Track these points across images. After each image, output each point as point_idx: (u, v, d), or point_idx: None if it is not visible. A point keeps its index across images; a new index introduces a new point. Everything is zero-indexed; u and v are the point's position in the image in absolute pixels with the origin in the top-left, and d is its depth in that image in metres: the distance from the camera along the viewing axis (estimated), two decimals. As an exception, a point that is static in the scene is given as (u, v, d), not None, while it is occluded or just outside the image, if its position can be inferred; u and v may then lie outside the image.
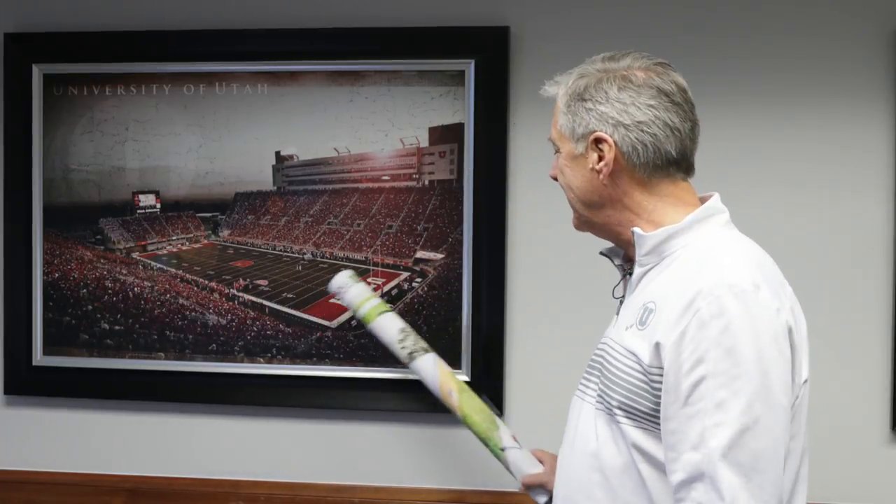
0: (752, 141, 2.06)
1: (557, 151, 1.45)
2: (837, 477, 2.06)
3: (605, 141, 1.36)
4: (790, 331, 1.27)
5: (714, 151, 2.07)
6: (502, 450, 1.83)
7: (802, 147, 2.05)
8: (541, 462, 1.81)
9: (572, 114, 1.40)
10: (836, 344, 2.05)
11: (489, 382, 2.11)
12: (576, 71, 1.43)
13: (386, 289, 2.16)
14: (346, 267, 2.16)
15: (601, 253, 1.52)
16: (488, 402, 1.93)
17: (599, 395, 1.36)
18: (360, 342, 2.16)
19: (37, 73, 2.24)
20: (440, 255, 2.14)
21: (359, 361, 2.16)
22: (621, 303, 1.44)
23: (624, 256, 1.49)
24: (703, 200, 1.41)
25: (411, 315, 2.14)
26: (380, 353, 2.15)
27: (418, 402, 2.13)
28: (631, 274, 1.42)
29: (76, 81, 2.24)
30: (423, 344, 1.94)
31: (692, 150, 1.39)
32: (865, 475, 2.05)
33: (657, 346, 1.26)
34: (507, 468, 1.83)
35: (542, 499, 1.78)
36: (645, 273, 1.38)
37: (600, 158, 1.37)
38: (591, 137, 1.37)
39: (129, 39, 2.21)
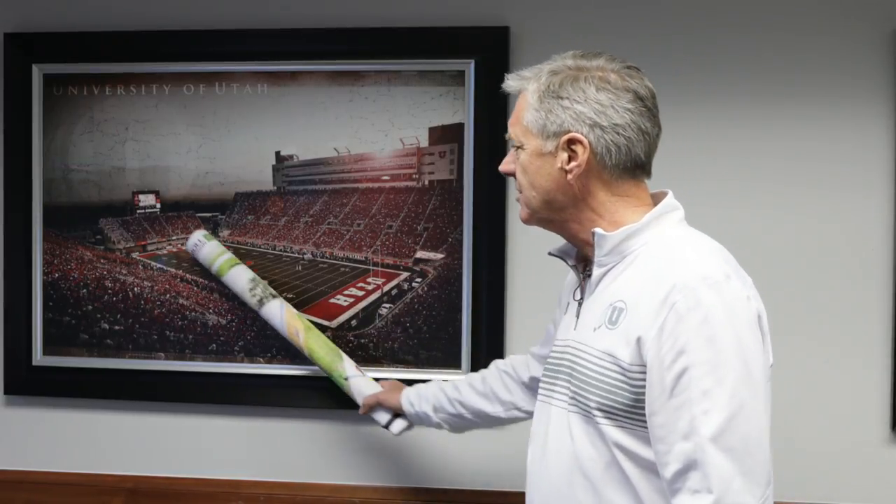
0: (751, 141, 2.06)
1: (518, 147, 1.42)
2: (837, 477, 2.06)
3: (580, 142, 1.36)
4: (759, 317, 1.30)
5: (714, 151, 2.07)
6: (346, 379, 2.02)
7: (802, 147, 2.05)
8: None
9: (546, 110, 1.37)
10: (837, 344, 2.05)
11: (489, 382, 2.12)
12: (546, 67, 1.41)
13: (386, 289, 2.16)
14: (345, 267, 2.17)
15: (551, 253, 1.52)
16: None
17: (573, 398, 1.37)
18: (359, 342, 2.16)
19: (37, 73, 2.24)
20: (440, 255, 2.15)
21: (359, 361, 2.15)
22: (580, 305, 1.44)
23: (577, 256, 1.48)
24: (654, 197, 1.43)
25: (411, 315, 2.15)
26: (380, 354, 2.16)
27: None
28: (590, 275, 1.42)
29: (76, 81, 2.24)
30: (272, 291, 2.12)
31: (654, 154, 1.41)
32: (865, 475, 2.05)
33: (638, 341, 1.28)
34: (352, 396, 2.02)
35: (384, 418, 1.96)
36: (605, 273, 1.38)
37: (570, 158, 1.37)
38: (565, 137, 1.36)
39: (129, 39, 2.21)
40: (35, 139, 2.24)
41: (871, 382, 2.05)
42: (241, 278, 2.12)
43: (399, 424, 1.96)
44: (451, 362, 2.13)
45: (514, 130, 1.43)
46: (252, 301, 2.10)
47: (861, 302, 2.04)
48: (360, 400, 2.00)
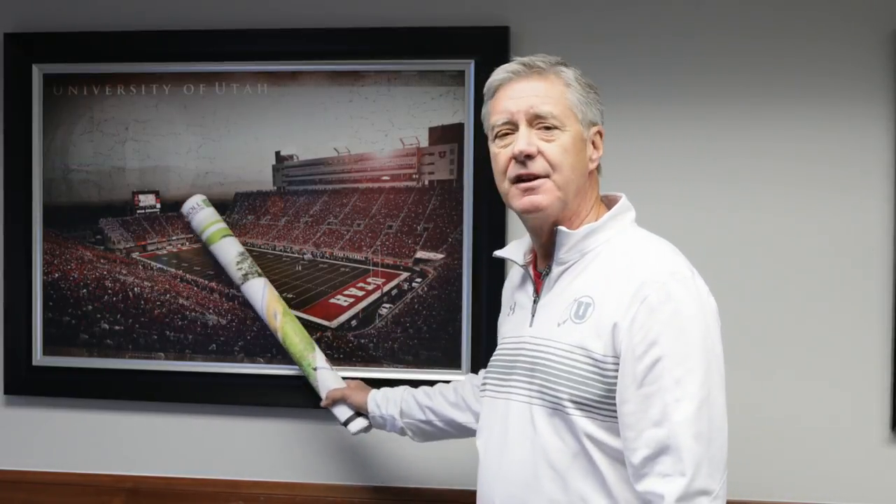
0: (751, 142, 2.06)
1: (554, 128, 1.38)
2: (837, 477, 2.06)
3: (602, 136, 1.46)
4: (716, 311, 1.36)
5: (714, 152, 2.07)
6: (314, 369, 2.03)
7: (802, 147, 2.05)
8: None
9: (590, 100, 1.43)
10: (837, 344, 2.05)
11: (489, 382, 2.11)
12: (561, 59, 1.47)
13: (386, 289, 2.16)
14: (345, 267, 2.17)
15: (499, 255, 1.57)
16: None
17: (540, 392, 1.39)
18: (359, 342, 2.16)
19: (37, 73, 2.24)
20: (440, 255, 2.15)
21: (358, 361, 2.16)
22: (535, 303, 1.46)
23: (524, 256, 1.53)
24: (607, 199, 1.49)
25: (411, 315, 2.14)
26: (381, 354, 2.16)
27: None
28: (548, 273, 1.45)
29: (76, 81, 2.24)
30: (258, 269, 2.12)
31: None
32: (865, 475, 2.05)
33: (614, 328, 1.31)
34: (316, 387, 2.03)
35: (344, 414, 1.97)
36: (564, 271, 1.42)
37: (593, 150, 1.45)
38: (596, 129, 1.44)
39: (129, 39, 2.21)
40: (35, 139, 2.24)
41: (871, 382, 2.05)
42: (230, 250, 2.12)
43: (358, 424, 1.97)
44: (451, 362, 2.13)
45: (553, 109, 1.38)
46: (237, 275, 2.10)
47: (861, 302, 2.04)
48: (323, 393, 2.00)
